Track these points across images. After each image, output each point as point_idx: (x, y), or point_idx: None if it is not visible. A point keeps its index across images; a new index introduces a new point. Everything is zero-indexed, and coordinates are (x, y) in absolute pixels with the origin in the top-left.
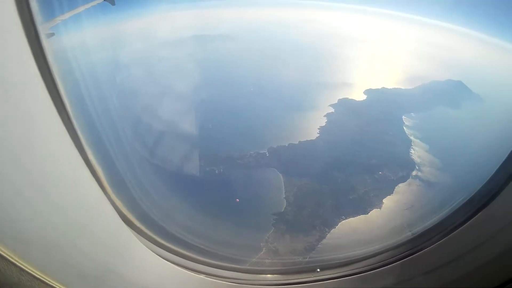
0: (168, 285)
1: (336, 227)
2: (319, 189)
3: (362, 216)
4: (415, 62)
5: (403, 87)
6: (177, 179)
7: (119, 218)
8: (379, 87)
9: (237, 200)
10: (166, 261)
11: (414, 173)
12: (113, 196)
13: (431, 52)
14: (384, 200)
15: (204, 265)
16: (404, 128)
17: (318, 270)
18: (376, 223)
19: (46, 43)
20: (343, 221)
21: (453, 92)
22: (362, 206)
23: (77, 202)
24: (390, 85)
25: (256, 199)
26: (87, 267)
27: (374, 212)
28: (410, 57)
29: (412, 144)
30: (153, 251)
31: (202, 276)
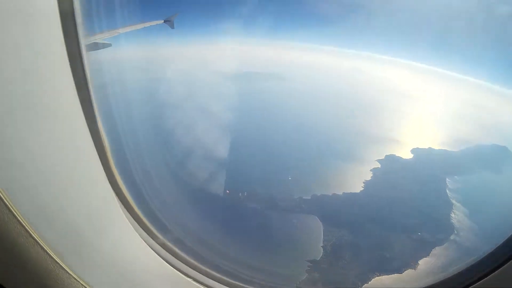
0: (154, 280)
1: (369, 282)
2: (357, 243)
3: (395, 275)
4: (462, 124)
5: (449, 149)
6: (216, 208)
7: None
8: (426, 147)
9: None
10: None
11: (452, 237)
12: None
13: (477, 115)
14: (420, 262)
15: (199, 272)
16: (447, 190)
17: None
18: (408, 283)
19: (85, 52)
20: (376, 278)
21: (497, 157)
22: (397, 265)
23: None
24: (436, 146)
25: (293, 243)
26: (71, 226)
27: (408, 272)
28: (457, 118)
29: (453, 207)
30: (159, 254)
31: (189, 280)
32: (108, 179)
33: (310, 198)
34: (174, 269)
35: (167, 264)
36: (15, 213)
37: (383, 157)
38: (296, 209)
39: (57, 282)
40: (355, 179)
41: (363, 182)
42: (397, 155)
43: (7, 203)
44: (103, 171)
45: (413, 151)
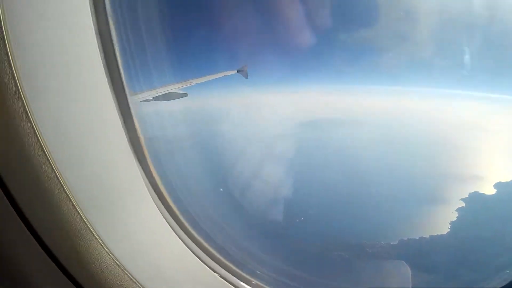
0: (177, 268)
1: None
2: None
3: None
4: None
5: None
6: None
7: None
8: (509, 180)
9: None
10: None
11: None
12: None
13: None
14: None
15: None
16: None
17: None
18: None
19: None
20: None
21: None
22: None
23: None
24: None
25: None
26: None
27: None
28: None
29: None
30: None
31: (216, 275)
32: (139, 160)
33: (397, 243)
34: (201, 262)
35: (192, 254)
36: (52, 165)
37: (467, 196)
38: (384, 255)
39: (84, 243)
40: (441, 221)
41: (449, 223)
42: (480, 191)
43: (48, 156)
44: (133, 150)
45: (496, 185)
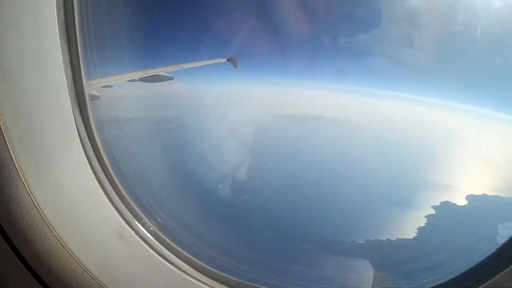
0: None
1: None
2: None
3: None
4: None
5: (502, 195)
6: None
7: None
8: (481, 193)
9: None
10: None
11: None
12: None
13: None
14: None
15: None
16: (498, 237)
17: None
18: None
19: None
20: None
21: None
22: None
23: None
24: (491, 192)
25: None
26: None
27: None
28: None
29: None
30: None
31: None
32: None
33: (364, 242)
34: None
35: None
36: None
37: (438, 204)
38: (350, 253)
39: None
40: (409, 225)
41: (417, 229)
42: (451, 201)
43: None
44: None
45: (468, 197)
